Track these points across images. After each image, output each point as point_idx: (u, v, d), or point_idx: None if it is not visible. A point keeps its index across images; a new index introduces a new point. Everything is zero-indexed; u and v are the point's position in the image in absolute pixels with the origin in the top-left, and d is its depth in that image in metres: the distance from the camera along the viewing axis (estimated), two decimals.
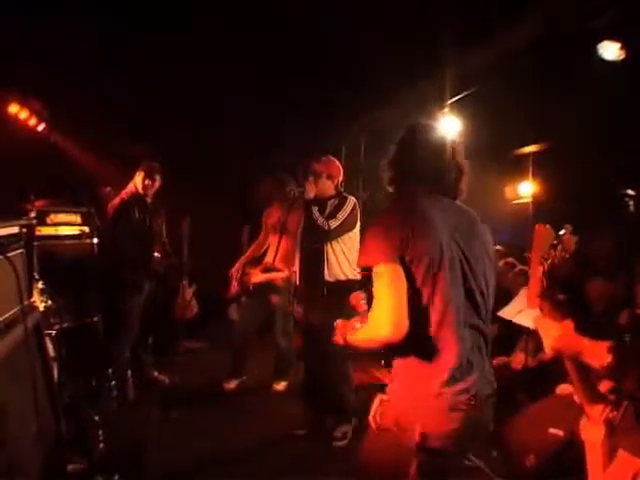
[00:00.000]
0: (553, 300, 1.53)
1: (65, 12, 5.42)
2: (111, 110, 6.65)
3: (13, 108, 5.73)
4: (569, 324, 1.54)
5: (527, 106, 6.23)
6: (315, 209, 4.52)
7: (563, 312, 1.53)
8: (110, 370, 4.99)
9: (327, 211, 4.54)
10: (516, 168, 7.85)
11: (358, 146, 8.54)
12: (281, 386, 5.70)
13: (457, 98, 6.26)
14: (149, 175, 5.37)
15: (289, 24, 5.95)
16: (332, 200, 4.60)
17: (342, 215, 4.49)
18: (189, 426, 4.79)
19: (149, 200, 5.45)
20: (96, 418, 4.13)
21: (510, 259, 5.99)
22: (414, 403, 2.11)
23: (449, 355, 2.05)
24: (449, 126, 6.67)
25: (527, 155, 7.61)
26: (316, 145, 7.05)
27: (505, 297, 5.27)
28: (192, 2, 5.64)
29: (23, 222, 2.67)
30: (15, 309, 2.56)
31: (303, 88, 6.77)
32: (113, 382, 5.00)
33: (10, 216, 3.88)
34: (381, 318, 2.03)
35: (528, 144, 7.33)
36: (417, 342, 2.06)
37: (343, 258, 4.53)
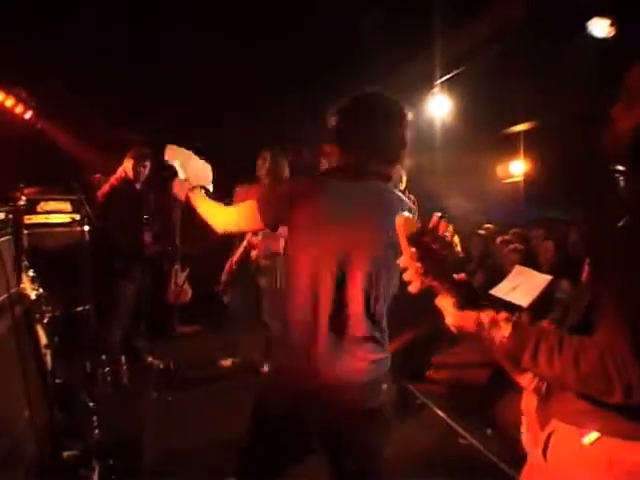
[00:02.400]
0: (446, 280, 1.54)
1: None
2: (100, 96, 6.59)
3: None
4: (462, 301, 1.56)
5: (517, 84, 6.21)
6: None
7: (458, 291, 1.54)
8: (104, 356, 5.00)
9: None
10: (507, 147, 7.83)
11: None
12: None
13: (447, 78, 6.23)
14: (139, 161, 5.35)
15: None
16: None
17: None
18: (184, 410, 4.80)
19: (138, 186, 5.44)
20: (90, 404, 4.14)
21: (507, 237, 5.98)
22: None
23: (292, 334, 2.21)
24: (439, 106, 6.66)
25: (518, 133, 7.59)
26: (300, 128, 7.04)
27: (500, 275, 5.30)
28: None
29: (9, 208, 2.65)
30: (2, 297, 2.55)
31: (293, 72, 6.74)
32: (107, 368, 5.01)
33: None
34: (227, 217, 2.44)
35: (519, 122, 7.30)
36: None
37: None
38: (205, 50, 6.33)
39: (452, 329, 1.56)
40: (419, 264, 1.50)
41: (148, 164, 5.40)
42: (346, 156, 2.29)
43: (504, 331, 1.49)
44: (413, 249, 1.50)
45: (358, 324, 2.20)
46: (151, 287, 5.78)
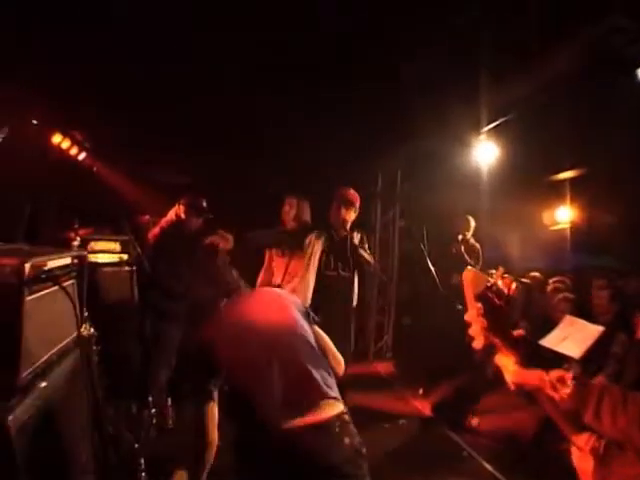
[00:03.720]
0: (506, 337, 1.51)
1: (104, 47, 5.56)
2: (152, 140, 6.76)
3: (56, 138, 5.85)
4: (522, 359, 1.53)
5: (564, 132, 6.19)
6: (353, 240, 4.86)
7: (517, 348, 1.52)
8: (150, 398, 5.00)
9: (356, 242, 4.92)
10: (553, 194, 7.78)
11: (395, 175, 8.56)
12: None
13: (494, 125, 6.24)
14: (195, 211, 5.40)
15: (325, 51, 6.02)
16: (355, 233, 5.00)
17: (366, 247, 4.99)
18: (227, 453, 4.77)
19: (188, 230, 5.49)
20: (136, 446, 4.14)
21: (558, 284, 5.86)
22: None
23: None
24: (486, 152, 6.66)
25: (564, 181, 7.54)
26: (352, 174, 7.10)
27: (545, 325, 5.21)
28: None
29: (75, 253, 2.71)
30: (70, 338, 2.60)
31: (340, 117, 6.80)
32: (153, 410, 5.01)
33: (58, 245, 3.96)
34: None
35: (565, 170, 7.26)
36: None
37: (356, 287, 5.02)
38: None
39: (511, 386, 1.54)
40: (484, 320, 1.48)
41: (202, 219, 5.47)
42: None
43: (567, 388, 1.46)
44: (479, 304, 1.49)
45: None
46: (197, 329, 5.78)
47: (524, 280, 6.54)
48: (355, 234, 4.99)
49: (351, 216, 4.95)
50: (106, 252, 5.30)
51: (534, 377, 1.49)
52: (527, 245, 7.52)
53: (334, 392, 2.61)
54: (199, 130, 6.98)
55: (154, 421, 4.98)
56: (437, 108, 6.20)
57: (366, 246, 5.03)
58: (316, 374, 2.58)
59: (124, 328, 5.30)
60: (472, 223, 6.98)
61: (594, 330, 4.68)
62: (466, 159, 6.84)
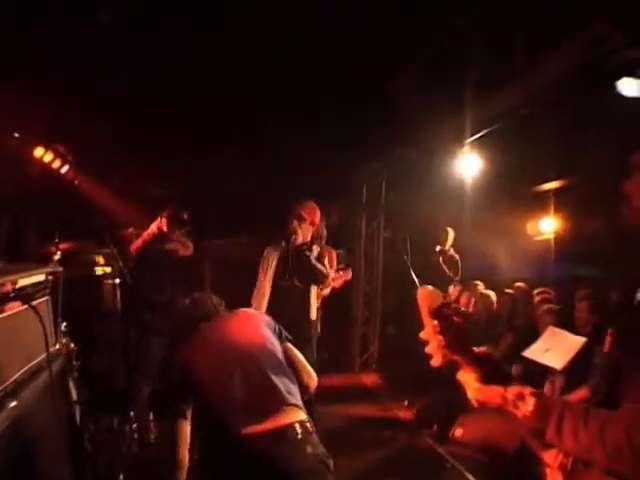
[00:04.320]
0: (466, 354, 1.52)
1: (87, 59, 5.56)
2: (132, 153, 6.75)
3: (38, 151, 5.84)
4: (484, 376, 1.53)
5: (547, 143, 6.22)
6: (310, 253, 4.93)
7: (479, 365, 1.52)
8: (131, 412, 4.96)
9: (314, 255, 4.98)
10: (537, 204, 7.80)
11: (379, 184, 8.57)
12: None
13: (477, 136, 6.26)
14: (177, 223, 5.38)
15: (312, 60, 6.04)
16: (314, 246, 5.03)
17: (326, 262, 5.05)
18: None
19: (170, 243, 5.47)
20: (117, 460, 4.11)
21: (544, 295, 5.86)
22: None
23: None
24: (469, 164, 6.68)
25: (548, 191, 7.57)
26: (336, 184, 7.11)
27: (530, 335, 5.22)
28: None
29: (49, 269, 2.69)
30: (40, 357, 2.57)
31: (324, 127, 6.83)
32: (135, 424, 4.97)
33: (35, 260, 3.94)
34: None
35: (549, 180, 7.29)
36: None
37: (314, 299, 5.06)
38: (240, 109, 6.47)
39: (474, 403, 1.54)
40: (441, 337, 1.49)
41: (184, 230, 5.46)
42: None
43: (528, 405, 1.45)
44: (435, 322, 1.49)
45: None
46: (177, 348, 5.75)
47: (508, 291, 6.56)
48: (315, 247, 5.05)
49: (305, 229, 4.99)
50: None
51: (495, 394, 1.49)
52: (511, 256, 7.53)
53: (296, 400, 2.70)
54: (181, 142, 6.98)
55: (136, 436, 4.95)
56: (421, 119, 6.22)
57: (325, 260, 5.08)
58: (278, 381, 2.69)
59: (107, 341, 5.29)
60: (451, 234, 6.97)
61: (577, 341, 4.69)
62: (450, 170, 6.85)
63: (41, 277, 2.55)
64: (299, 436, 2.53)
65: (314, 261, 4.91)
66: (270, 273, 4.96)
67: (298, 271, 4.91)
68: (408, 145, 6.93)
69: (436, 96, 5.90)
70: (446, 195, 7.04)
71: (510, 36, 5.23)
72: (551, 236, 7.96)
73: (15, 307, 2.28)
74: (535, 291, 6.01)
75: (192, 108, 6.41)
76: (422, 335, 1.52)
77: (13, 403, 2.22)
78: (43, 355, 2.57)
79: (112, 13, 5.15)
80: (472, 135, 6.28)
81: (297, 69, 6.03)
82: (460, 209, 7.00)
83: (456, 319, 1.50)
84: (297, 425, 2.57)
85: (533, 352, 4.90)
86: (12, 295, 2.20)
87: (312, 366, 5.02)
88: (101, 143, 6.46)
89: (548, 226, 8.00)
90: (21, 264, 2.89)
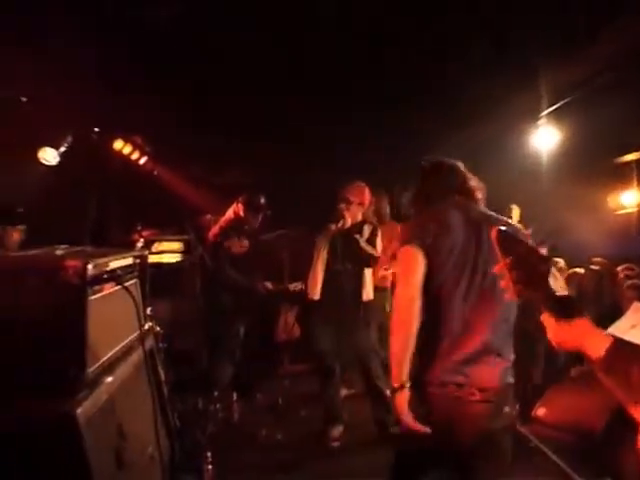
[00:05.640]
0: (544, 293, 1.50)
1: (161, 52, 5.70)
2: (211, 139, 6.88)
3: (118, 144, 6.03)
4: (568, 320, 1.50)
5: (629, 111, 6.00)
6: (360, 235, 4.96)
7: (559, 306, 1.49)
8: (216, 393, 5.10)
9: (365, 236, 5.01)
10: (619, 177, 7.53)
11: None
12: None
13: (554, 108, 6.09)
14: (253, 209, 5.48)
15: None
16: (365, 226, 5.06)
17: (378, 242, 5.07)
18: (292, 448, 4.87)
19: (247, 227, 5.57)
20: (203, 440, 4.23)
21: (628, 272, 5.67)
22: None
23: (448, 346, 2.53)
24: (546, 138, 6.52)
25: (630, 163, 7.30)
26: (412, 164, 7.04)
27: (617, 312, 5.06)
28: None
29: (137, 253, 2.80)
30: (133, 335, 2.69)
31: (391, 109, 6.78)
32: (218, 404, 5.11)
33: (122, 247, 4.09)
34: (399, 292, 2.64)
35: (631, 151, 7.02)
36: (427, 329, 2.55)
37: (369, 280, 5.10)
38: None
39: (554, 345, 1.52)
40: (513, 272, 1.48)
41: (261, 216, 5.54)
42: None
43: (604, 343, 1.42)
44: (509, 258, 1.49)
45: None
46: (260, 325, 5.88)
47: (593, 267, 6.36)
48: (366, 227, 5.05)
49: (354, 210, 4.98)
50: (170, 252, 5.44)
51: (574, 334, 1.46)
52: (592, 231, 7.29)
53: None
54: (258, 130, 7.06)
55: (220, 415, 5.09)
56: (493, 93, 6.10)
57: (378, 239, 5.07)
58: None
59: (189, 325, 5.45)
60: (515, 211, 6.82)
61: None
62: (525, 144, 6.70)
63: (130, 260, 2.66)
64: None
65: (363, 243, 4.92)
66: (322, 258, 5.01)
67: (348, 255, 4.93)
68: (480, 121, 6.79)
69: (509, 68, 5.78)
70: (522, 171, 6.89)
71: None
72: (634, 209, 7.68)
73: (108, 288, 2.39)
74: (619, 267, 5.83)
75: (267, 98, 6.48)
76: (495, 269, 1.53)
77: (109, 379, 2.34)
78: (135, 334, 2.69)
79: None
80: (548, 107, 6.12)
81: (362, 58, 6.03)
82: (537, 185, 6.84)
83: (530, 258, 1.50)
84: None
85: (618, 329, 4.73)
86: (105, 277, 2.31)
87: (369, 348, 5.10)
88: (178, 133, 6.62)
89: (630, 199, 7.72)
90: (110, 249, 3.02)
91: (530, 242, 1.63)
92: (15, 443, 2.01)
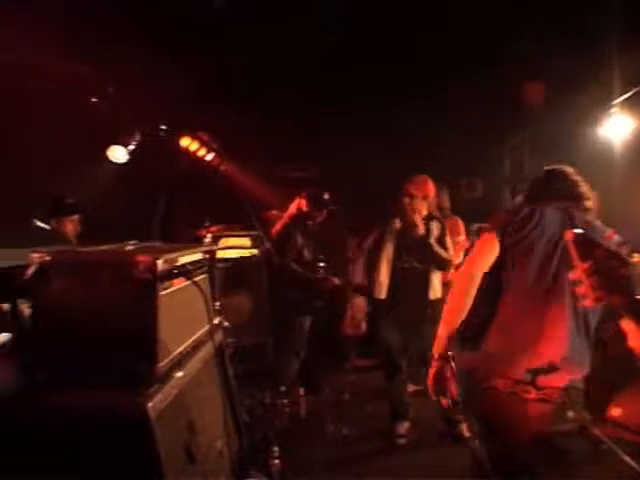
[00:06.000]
0: (625, 299, 1.43)
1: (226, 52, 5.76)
2: (275, 137, 6.92)
3: (185, 141, 6.11)
4: None
5: None
6: (430, 236, 4.84)
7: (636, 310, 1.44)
8: (283, 388, 5.12)
9: (434, 235, 4.86)
10: None
11: (521, 155, 8.28)
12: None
13: (627, 96, 5.85)
14: (317, 204, 5.47)
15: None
16: (432, 223, 4.92)
17: (448, 241, 4.95)
18: (358, 443, 4.86)
19: (311, 222, 5.56)
20: (270, 435, 4.25)
21: None
22: None
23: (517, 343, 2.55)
24: (618, 126, 6.27)
25: None
26: (478, 158, 6.93)
27: None
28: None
29: (206, 249, 2.82)
30: (203, 330, 2.72)
31: (464, 101, 6.68)
32: (286, 399, 5.13)
33: (190, 242, 4.14)
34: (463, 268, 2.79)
35: None
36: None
37: (437, 278, 4.94)
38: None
39: (637, 353, 1.46)
40: (593, 278, 1.42)
41: (325, 211, 5.53)
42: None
43: None
44: (586, 264, 1.43)
45: None
46: (327, 320, 5.87)
47: None
48: (435, 225, 4.93)
49: (418, 204, 4.87)
50: (237, 248, 5.48)
51: None
52: None
53: None
54: (323, 125, 7.05)
55: (287, 410, 5.10)
56: (565, 84, 5.93)
57: (447, 238, 4.96)
58: None
59: (256, 320, 5.48)
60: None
61: None
62: (596, 135, 6.47)
63: (199, 256, 2.68)
64: None
65: (436, 248, 4.82)
66: (387, 255, 4.92)
67: (415, 252, 4.84)
68: (549, 113, 6.61)
69: (578, 61, 5.60)
70: (593, 162, 6.65)
71: None
72: None
73: (177, 283, 2.41)
74: None
75: (332, 91, 6.47)
76: (571, 275, 1.47)
77: (179, 373, 2.36)
78: (204, 329, 2.72)
79: None
80: (620, 95, 5.89)
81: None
82: (609, 175, 6.58)
83: (611, 262, 1.43)
84: None
85: None
86: (175, 272, 2.33)
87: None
88: (243, 129, 6.67)
89: None
90: (179, 244, 3.06)
91: (610, 243, 1.56)
92: (88, 436, 2.05)
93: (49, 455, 2.06)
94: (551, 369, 2.47)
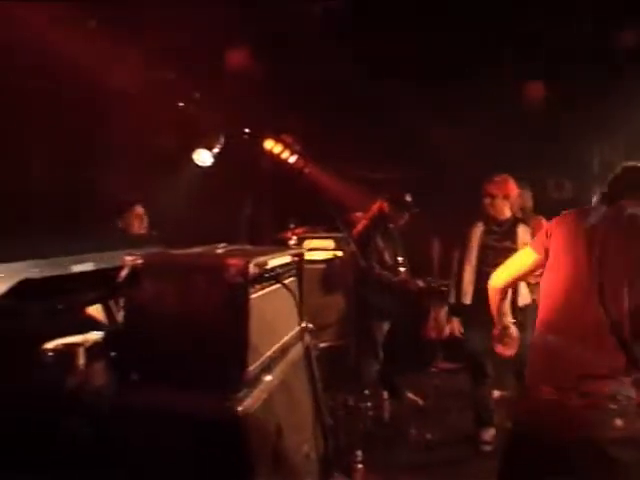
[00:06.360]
0: None
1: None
2: (357, 139, 6.90)
3: (268, 143, 6.16)
4: None
5: None
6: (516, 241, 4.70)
7: None
8: (366, 391, 5.09)
9: (521, 239, 4.70)
10: None
11: (612, 155, 7.99)
12: None
13: None
14: (398, 206, 5.42)
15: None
16: (519, 226, 4.81)
17: None
18: (439, 448, 4.86)
19: (392, 225, 5.51)
20: (354, 438, 4.22)
21: None
22: None
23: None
24: None
25: None
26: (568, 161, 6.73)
27: None
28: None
29: (294, 252, 2.82)
30: (292, 333, 2.72)
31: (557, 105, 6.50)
32: (369, 403, 5.09)
33: (275, 244, 4.16)
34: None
35: None
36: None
37: (525, 285, 4.74)
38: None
39: None
40: None
41: (407, 214, 5.47)
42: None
43: None
44: None
45: None
46: (410, 323, 5.80)
47: None
48: (520, 228, 4.76)
49: (499, 205, 4.73)
50: (321, 250, 5.48)
51: None
52: None
53: None
54: (405, 125, 6.99)
55: (370, 414, 5.07)
56: None
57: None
58: None
59: (338, 322, 5.46)
60: None
61: None
62: None
63: (288, 259, 2.68)
64: None
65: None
66: (471, 259, 4.85)
67: (503, 257, 4.70)
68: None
69: None
70: None
71: None
72: None
73: (267, 287, 2.41)
74: None
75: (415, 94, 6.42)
76: None
77: (268, 377, 2.36)
78: (293, 332, 2.72)
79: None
80: None
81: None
82: None
83: None
84: None
85: None
86: (265, 275, 2.33)
87: (524, 352, 4.80)
88: (326, 130, 6.69)
89: None
90: (267, 247, 3.07)
91: None
92: (178, 439, 2.07)
93: (137, 457, 2.10)
94: (598, 376, 2.43)
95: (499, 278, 3.07)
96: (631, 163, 2.82)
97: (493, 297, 3.15)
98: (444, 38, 5.71)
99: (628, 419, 2.40)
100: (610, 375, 2.42)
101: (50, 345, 2.35)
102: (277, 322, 2.57)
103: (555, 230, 2.70)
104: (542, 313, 2.70)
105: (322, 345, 4.61)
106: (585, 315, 2.49)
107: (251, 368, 2.20)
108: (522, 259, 2.92)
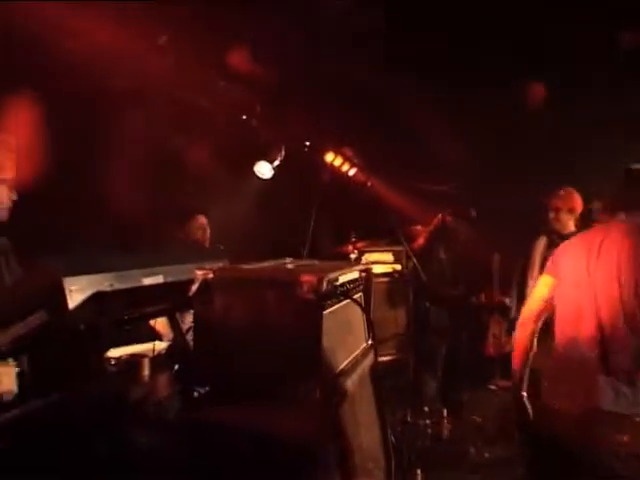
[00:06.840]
0: None
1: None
2: (417, 151, 6.88)
3: (329, 156, 6.19)
4: None
5: None
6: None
7: None
8: (426, 408, 5.04)
9: None
10: None
11: None
12: None
13: None
14: (460, 219, 5.39)
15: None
16: None
17: None
18: (498, 467, 4.76)
19: (454, 238, 5.47)
20: (413, 456, 4.19)
21: None
22: None
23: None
24: None
25: None
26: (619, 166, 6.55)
27: None
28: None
29: (362, 267, 2.82)
30: (360, 349, 2.71)
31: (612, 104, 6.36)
32: (428, 420, 5.04)
33: (335, 258, 4.16)
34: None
35: None
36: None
37: None
38: None
39: None
40: None
41: (468, 227, 5.44)
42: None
43: None
44: None
45: None
46: (469, 338, 5.73)
47: None
48: None
49: (564, 219, 4.62)
50: (380, 263, 5.47)
51: None
52: None
53: None
54: (465, 136, 6.95)
55: (429, 431, 5.01)
56: None
57: None
58: None
59: (397, 337, 5.43)
60: None
61: None
62: None
63: (356, 274, 2.68)
64: None
65: None
66: (533, 275, 4.73)
67: None
68: None
69: None
70: None
71: None
72: None
73: (337, 302, 2.41)
74: None
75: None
76: None
77: (339, 393, 2.35)
78: (361, 347, 2.71)
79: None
80: None
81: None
82: None
83: None
84: None
85: None
86: (336, 291, 2.33)
87: None
88: (384, 144, 6.69)
89: None
90: (335, 262, 3.08)
91: None
92: (243, 454, 2.07)
93: (203, 473, 2.11)
94: (604, 392, 2.48)
95: (527, 309, 3.11)
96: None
97: (521, 335, 3.11)
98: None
99: (633, 435, 2.41)
100: (616, 391, 2.47)
101: (115, 354, 2.40)
102: (346, 338, 2.57)
103: (561, 257, 2.87)
104: (558, 333, 2.81)
105: (381, 359, 4.60)
106: (589, 334, 2.58)
107: (323, 384, 2.19)
108: (542, 286, 3.03)
